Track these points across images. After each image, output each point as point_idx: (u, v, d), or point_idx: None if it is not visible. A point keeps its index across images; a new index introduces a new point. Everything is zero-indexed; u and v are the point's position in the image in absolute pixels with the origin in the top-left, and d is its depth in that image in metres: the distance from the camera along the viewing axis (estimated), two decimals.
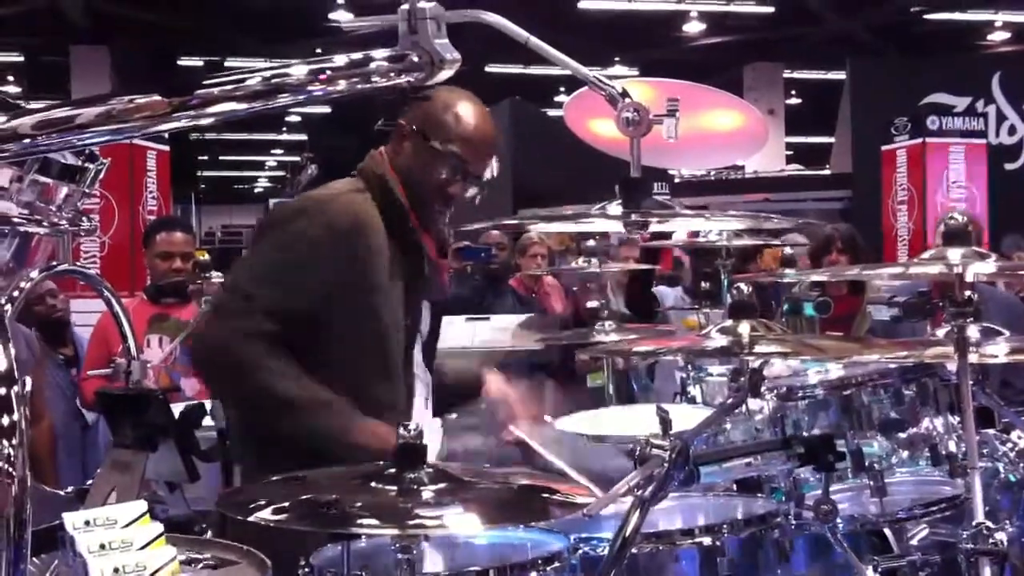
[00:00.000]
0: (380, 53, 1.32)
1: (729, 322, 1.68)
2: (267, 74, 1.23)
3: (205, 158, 26.70)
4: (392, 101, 2.54)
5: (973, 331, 1.76)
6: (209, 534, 2.22)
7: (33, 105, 1.19)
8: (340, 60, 1.28)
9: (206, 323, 2.44)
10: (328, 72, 1.28)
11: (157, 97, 1.19)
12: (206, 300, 3.42)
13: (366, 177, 2.46)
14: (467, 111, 2.44)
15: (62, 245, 1.65)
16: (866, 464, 2.18)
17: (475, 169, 2.45)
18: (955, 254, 1.70)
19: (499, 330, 3.68)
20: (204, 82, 1.22)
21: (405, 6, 1.39)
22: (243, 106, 1.22)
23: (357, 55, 1.30)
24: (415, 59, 1.33)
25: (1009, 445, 2.43)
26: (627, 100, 1.46)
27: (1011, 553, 2.31)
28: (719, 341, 1.67)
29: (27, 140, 1.17)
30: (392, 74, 1.33)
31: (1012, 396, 3.99)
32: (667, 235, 4.27)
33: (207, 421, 2.19)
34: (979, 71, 10.86)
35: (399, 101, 2.46)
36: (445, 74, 1.38)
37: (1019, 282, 5.17)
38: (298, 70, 1.26)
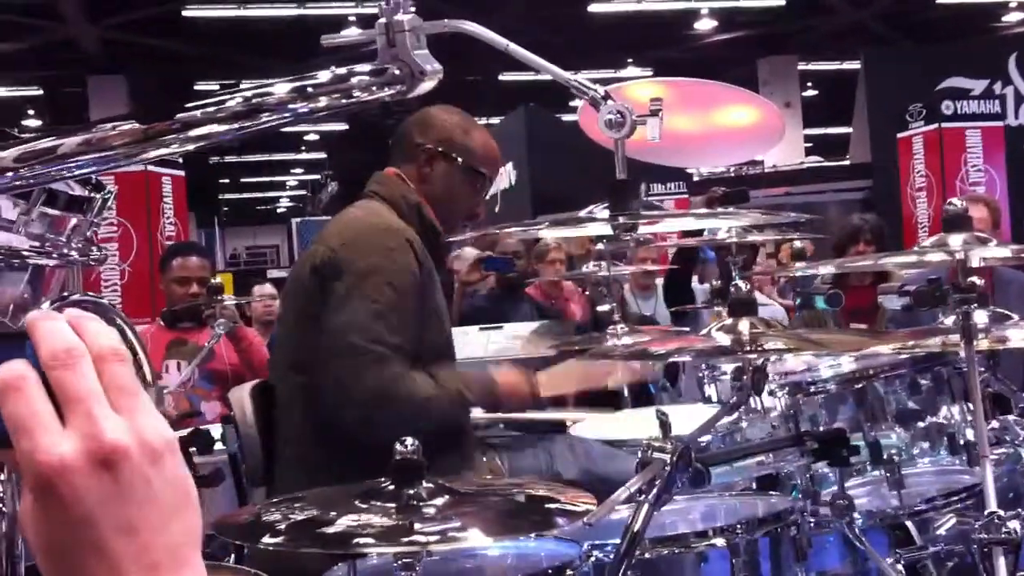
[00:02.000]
0: (361, 68, 1.32)
1: (729, 320, 1.66)
2: (248, 94, 1.23)
3: (226, 181, 26.89)
4: (399, 116, 2.60)
5: (981, 317, 1.73)
6: (232, 559, 2.23)
7: (27, 135, 1.19)
8: (322, 76, 1.28)
9: (344, 384, 2.23)
10: (310, 89, 1.28)
11: (135, 124, 1.19)
12: (219, 323, 3.44)
13: (394, 202, 2.46)
14: (481, 132, 2.57)
15: (72, 275, 1.66)
16: (884, 457, 2.15)
17: (491, 186, 2.60)
18: (956, 240, 1.67)
19: (513, 338, 3.67)
20: (186, 105, 1.22)
21: (382, 20, 1.39)
22: (224, 128, 1.22)
23: (341, 70, 1.30)
24: (396, 72, 1.33)
25: None
26: (609, 103, 1.45)
27: None
28: (720, 340, 1.65)
29: (10, 173, 1.17)
30: (374, 88, 1.32)
31: None
32: (698, 234, 4.25)
33: (218, 446, 2.19)
34: (995, 53, 10.73)
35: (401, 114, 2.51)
36: (426, 86, 1.37)
37: None
38: (279, 88, 1.25)
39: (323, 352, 2.24)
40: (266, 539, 1.36)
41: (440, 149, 2.49)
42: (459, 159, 2.49)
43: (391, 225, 2.39)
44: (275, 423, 2.39)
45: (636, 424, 2.85)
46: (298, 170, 27.91)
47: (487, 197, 2.65)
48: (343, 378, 2.20)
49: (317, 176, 25.89)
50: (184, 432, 1.97)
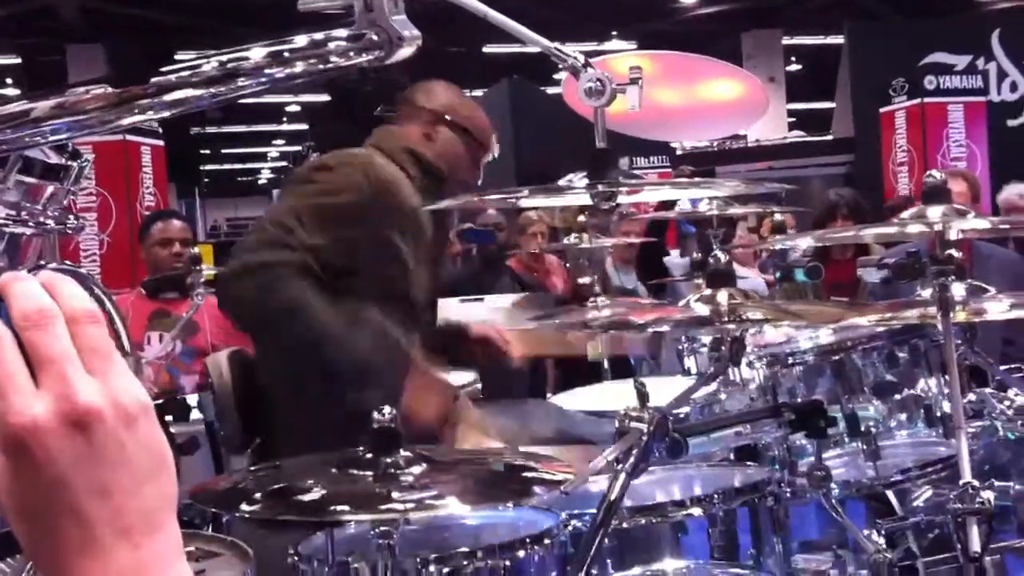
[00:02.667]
0: (338, 33, 1.30)
1: (708, 291, 1.66)
2: (223, 58, 1.22)
3: (207, 152, 26.72)
4: (384, 86, 2.63)
5: (958, 290, 1.74)
6: (210, 528, 2.23)
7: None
8: (299, 41, 1.26)
9: (243, 249, 2.35)
10: (286, 54, 1.26)
11: (109, 88, 1.18)
12: (198, 294, 3.42)
13: (389, 151, 2.49)
14: (480, 112, 2.64)
15: (49, 244, 1.64)
16: (861, 428, 2.17)
17: (486, 159, 2.64)
18: (935, 212, 1.67)
19: (494, 310, 3.67)
20: (160, 69, 1.21)
21: None
22: (200, 92, 1.21)
23: (317, 35, 1.28)
24: (373, 37, 1.31)
25: (1007, 403, 2.41)
26: (589, 71, 1.44)
27: (1019, 509, 2.31)
28: (698, 311, 1.65)
29: None
30: (351, 53, 1.31)
31: (1015, 353, 3.96)
32: (671, 206, 4.25)
33: (195, 415, 2.18)
34: (978, 29, 10.73)
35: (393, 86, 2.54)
36: (404, 52, 1.35)
37: None
38: (255, 53, 1.24)
39: None
40: (243, 507, 1.36)
41: (447, 116, 2.54)
42: (461, 126, 2.55)
43: (371, 156, 2.43)
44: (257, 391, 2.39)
45: (616, 396, 2.86)
46: (280, 141, 27.75)
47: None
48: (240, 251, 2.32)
49: (299, 148, 25.74)
50: (160, 400, 1.96)
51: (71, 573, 0.61)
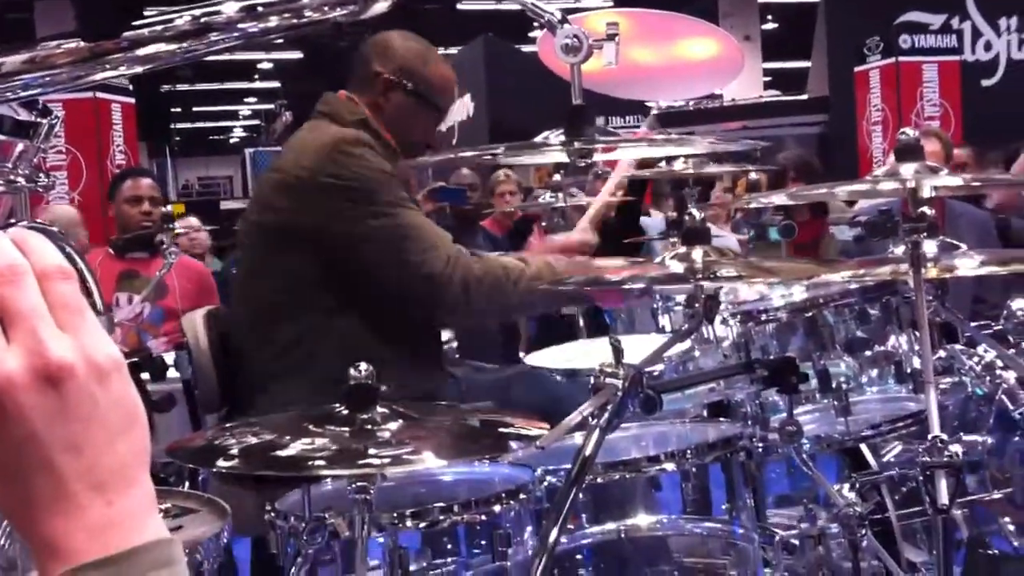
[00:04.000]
0: None
1: (683, 248, 1.67)
2: (196, 12, 1.20)
3: (178, 110, 26.43)
4: (357, 43, 2.56)
5: (930, 247, 1.76)
6: (187, 485, 2.23)
7: None
8: None
9: (416, 266, 2.31)
10: (260, 9, 1.25)
11: (81, 43, 1.16)
12: (171, 252, 3.40)
13: (340, 120, 2.44)
14: (438, 60, 2.55)
15: (20, 202, 1.63)
16: (832, 384, 2.19)
17: (447, 114, 2.61)
18: (908, 169, 1.68)
19: None
20: (132, 23, 1.20)
21: None
22: (173, 47, 1.19)
23: None
24: None
25: (975, 359, 2.45)
26: (566, 27, 1.44)
27: (990, 464, 2.35)
28: (673, 268, 1.66)
29: None
30: (325, 8, 1.30)
31: (986, 311, 4.01)
32: (651, 165, 4.24)
33: (172, 373, 2.18)
34: None
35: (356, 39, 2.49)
36: (380, 7, 1.34)
37: (1008, 197, 5.16)
38: (228, 7, 1.23)
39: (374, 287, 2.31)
40: (219, 463, 1.36)
41: (396, 79, 2.47)
42: (415, 90, 2.47)
43: (346, 135, 2.38)
44: (239, 351, 2.39)
45: (591, 354, 2.87)
46: (252, 99, 27.47)
47: (444, 129, 2.64)
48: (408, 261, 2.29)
49: (271, 105, 25.52)
50: (136, 359, 1.96)
51: (44, 529, 0.62)
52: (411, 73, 2.47)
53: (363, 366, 1.44)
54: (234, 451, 1.42)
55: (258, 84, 24.98)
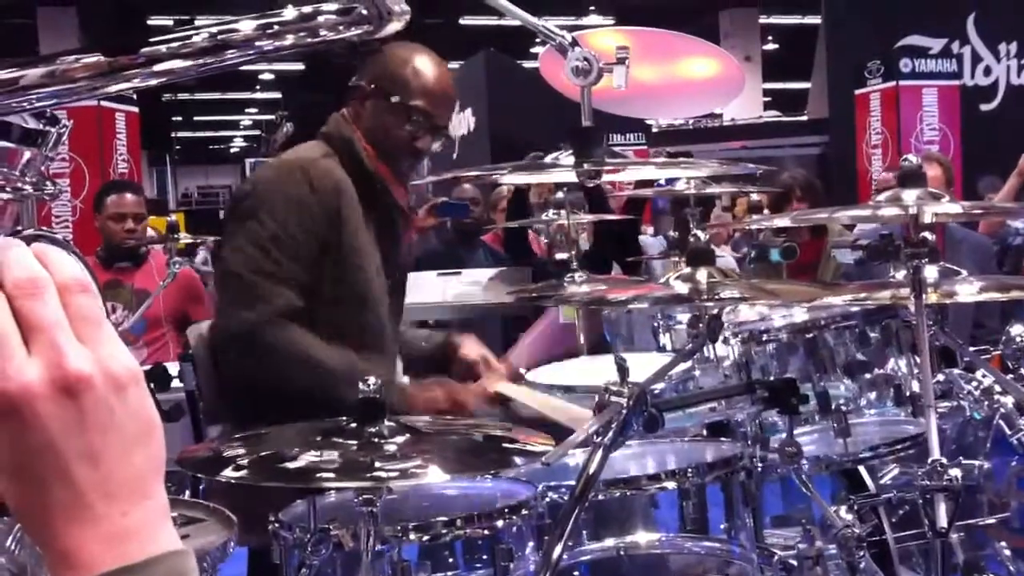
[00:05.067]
0: (327, 6, 1.31)
1: (687, 269, 1.69)
2: (213, 30, 1.22)
3: (179, 119, 26.48)
4: (358, 58, 2.55)
5: (931, 272, 1.78)
6: (187, 494, 2.24)
7: None
8: (288, 14, 1.27)
9: (224, 316, 2.31)
10: (275, 27, 1.27)
11: (101, 57, 1.18)
12: (175, 262, 3.42)
13: (331, 141, 2.44)
14: (424, 64, 2.44)
15: (26, 209, 1.64)
16: (832, 406, 2.21)
17: (440, 121, 2.47)
18: (910, 195, 1.71)
19: (471, 284, 3.69)
20: (150, 39, 1.21)
21: None
22: (190, 63, 1.21)
23: (307, 8, 1.29)
24: (363, 12, 1.32)
25: (974, 384, 2.47)
26: (577, 49, 1.46)
27: (987, 488, 2.37)
28: (678, 288, 1.68)
29: None
30: (340, 28, 1.32)
31: (985, 336, 4.04)
32: (649, 185, 4.27)
33: (176, 383, 2.19)
34: (954, 12, 10.79)
35: (359, 56, 2.47)
36: (394, 27, 1.36)
37: (994, 224, 5.20)
38: (244, 25, 1.24)
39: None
40: (228, 472, 1.38)
41: (373, 87, 2.43)
42: (390, 95, 2.41)
43: (312, 161, 2.37)
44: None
45: (591, 372, 2.88)
46: (252, 109, 27.54)
47: (444, 138, 2.56)
48: (223, 308, 2.30)
49: (272, 116, 25.55)
50: (145, 368, 1.97)
51: (60, 537, 0.62)
52: (390, 79, 2.42)
53: (371, 380, 1.46)
54: (243, 461, 1.43)
55: (259, 95, 25.04)
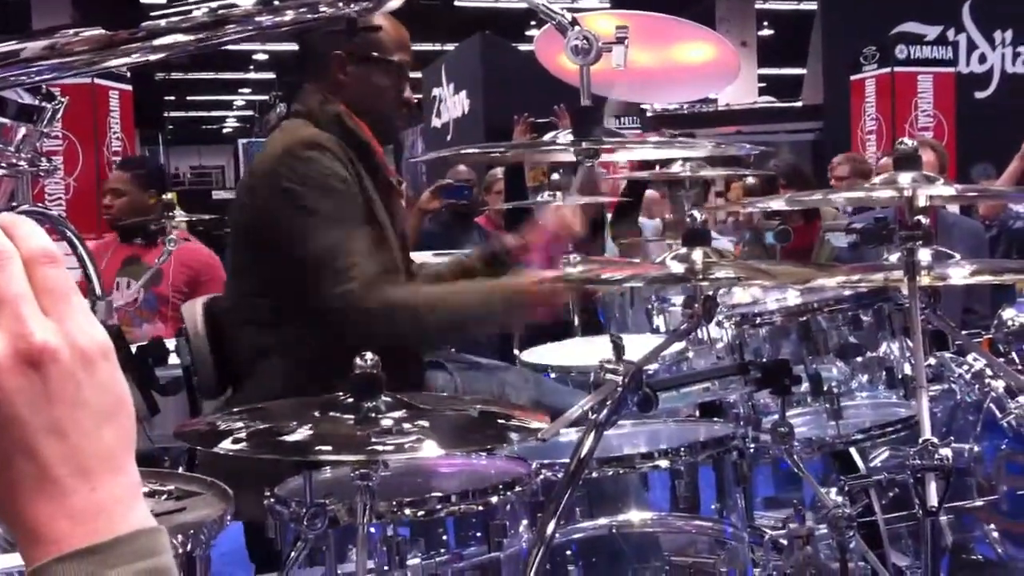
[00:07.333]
0: None
1: (683, 249, 1.70)
2: (213, 5, 1.22)
3: (172, 99, 26.36)
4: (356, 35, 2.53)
5: (924, 255, 1.79)
6: (181, 468, 2.25)
7: None
8: None
9: (331, 300, 2.22)
10: (275, 2, 1.27)
11: (101, 31, 1.18)
12: (171, 240, 3.43)
13: (314, 119, 2.40)
14: (385, 19, 2.42)
15: (21, 185, 1.65)
16: (824, 388, 2.22)
17: (409, 69, 2.50)
18: (905, 178, 1.71)
19: None
20: (150, 14, 1.21)
21: None
22: (190, 38, 1.21)
23: None
24: None
25: (965, 367, 2.49)
26: (576, 28, 1.46)
27: (976, 471, 2.39)
28: (673, 268, 1.69)
29: None
30: (340, 3, 1.32)
31: (976, 321, 4.07)
32: (650, 167, 4.27)
33: (173, 359, 2.20)
34: None
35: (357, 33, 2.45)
36: (393, 3, 1.37)
37: (995, 207, 5.22)
38: (245, 1, 1.25)
39: (299, 284, 2.23)
40: (225, 444, 1.39)
41: (350, 52, 2.40)
42: (375, 54, 2.41)
43: (304, 137, 2.34)
44: (230, 341, 2.40)
45: (585, 352, 2.90)
46: (246, 90, 27.44)
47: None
48: (336, 302, 2.21)
49: (265, 97, 25.45)
50: (144, 343, 1.98)
51: (27, 514, 0.61)
52: (365, 41, 2.40)
53: (368, 356, 1.47)
54: (240, 435, 1.44)
55: (253, 75, 24.95)
